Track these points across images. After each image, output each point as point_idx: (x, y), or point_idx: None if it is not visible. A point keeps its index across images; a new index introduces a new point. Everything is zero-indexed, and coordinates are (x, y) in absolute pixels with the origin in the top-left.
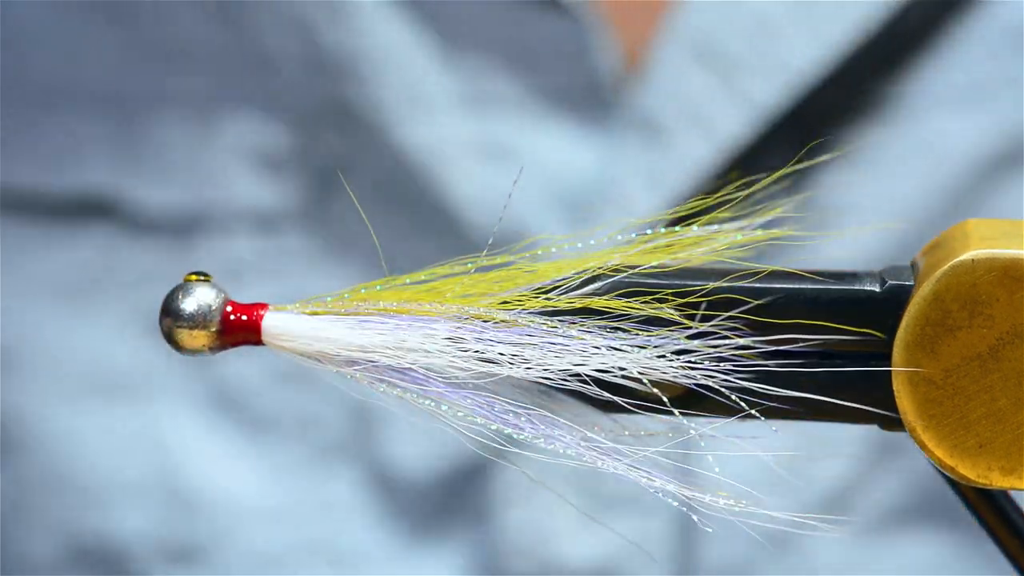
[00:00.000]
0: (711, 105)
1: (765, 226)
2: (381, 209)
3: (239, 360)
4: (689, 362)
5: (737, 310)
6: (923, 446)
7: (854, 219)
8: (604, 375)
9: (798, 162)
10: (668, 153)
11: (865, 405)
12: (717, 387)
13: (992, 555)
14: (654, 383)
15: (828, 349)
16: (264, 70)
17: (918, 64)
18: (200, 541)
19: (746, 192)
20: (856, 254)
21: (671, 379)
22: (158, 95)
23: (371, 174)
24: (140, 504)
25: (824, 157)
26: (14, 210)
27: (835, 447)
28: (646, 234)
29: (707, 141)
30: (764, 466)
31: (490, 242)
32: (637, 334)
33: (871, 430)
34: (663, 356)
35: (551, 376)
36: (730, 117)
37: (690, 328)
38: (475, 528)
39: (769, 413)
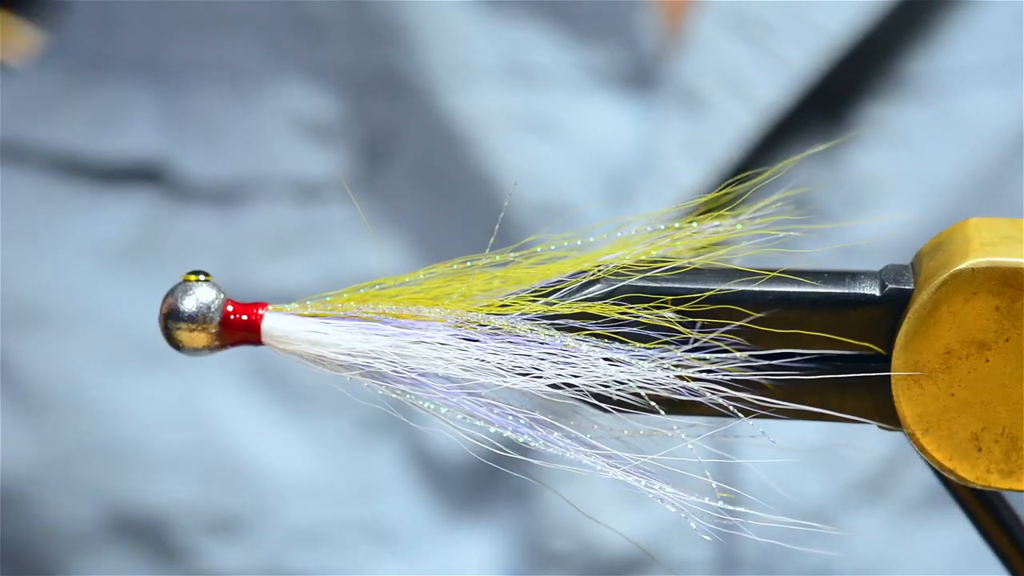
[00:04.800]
0: (749, 72)
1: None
2: (426, 180)
3: None
4: (688, 376)
5: (736, 324)
6: (922, 450)
7: (885, 195)
8: (604, 389)
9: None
10: (708, 122)
11: (864, 407)
12: (717, 400)
13: None
14: (652, 396)
15: (828, 351)
16: (311, 38)
17: (949, 38)
18: (241, 513)
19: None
20: (887, 233)
21: (670, 394)
22: (205, 62)
23: (417, 144)
24: (180, 474)
25: (855, 132)
26: (62, 172)
27: (869, 431)
28: (657, 230)
29: (746, 109)
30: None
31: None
32: (636, 347)
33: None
34: (663, 369)
35: (550, 388)
36: (767, 84)
37: (689, 338)
38: (516, 507)
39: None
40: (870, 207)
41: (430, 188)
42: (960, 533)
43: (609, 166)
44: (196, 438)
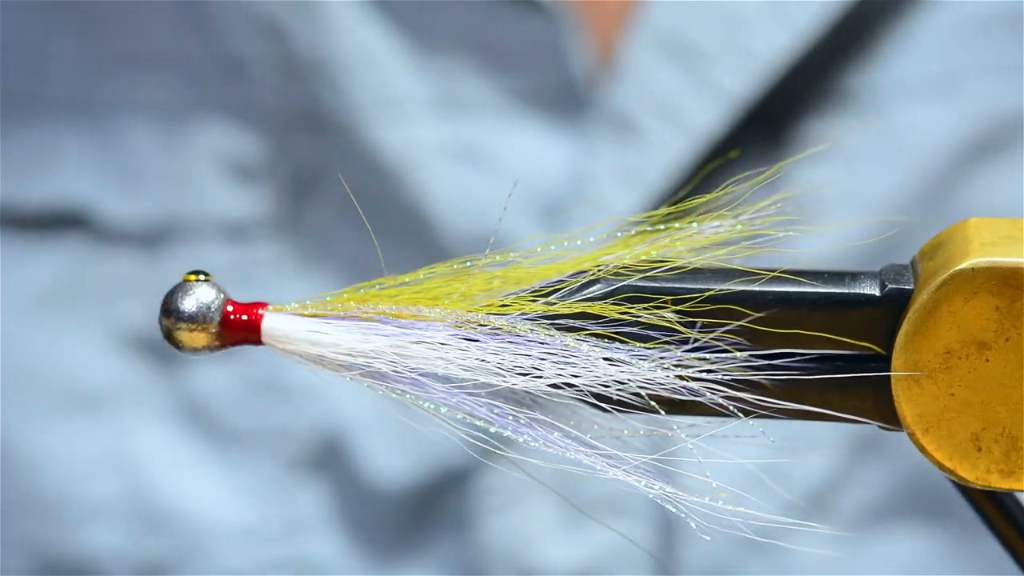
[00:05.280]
0: (682, 99)
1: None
2: (355, 215)
3: (210, 373)
4: (689, 376)
5: (736, 324)
6: (922, 449)
7: (828, 213)
8: (604, 389)
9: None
10: (642, 150)
11: (864, 407)
12: (716, 400)
13: (976, 553)
14: (651, 395)
15: (828, 351)
16: (235, 76)
17: (886, 52)
18: (171, 558)
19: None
20: (833, 251)
21: (670, 394)
22: (128, 103)
23: (345, 180)
24: (110, 521)
25: (798, 153)
26: None
27: (817, 445)
28: (641, 232)
29: (681, 136)
30: (745, 467)
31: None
32: (636, 346)
33: (848, 430)
34: (663, 369)
35: (549, 388)
36: (702, 110)
37: (689, 338)
38: (454, 539)
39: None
40: (808, 223)
41: (360, 224)
42: (907, 547)
43: (542, 194)
44: (124, 484)
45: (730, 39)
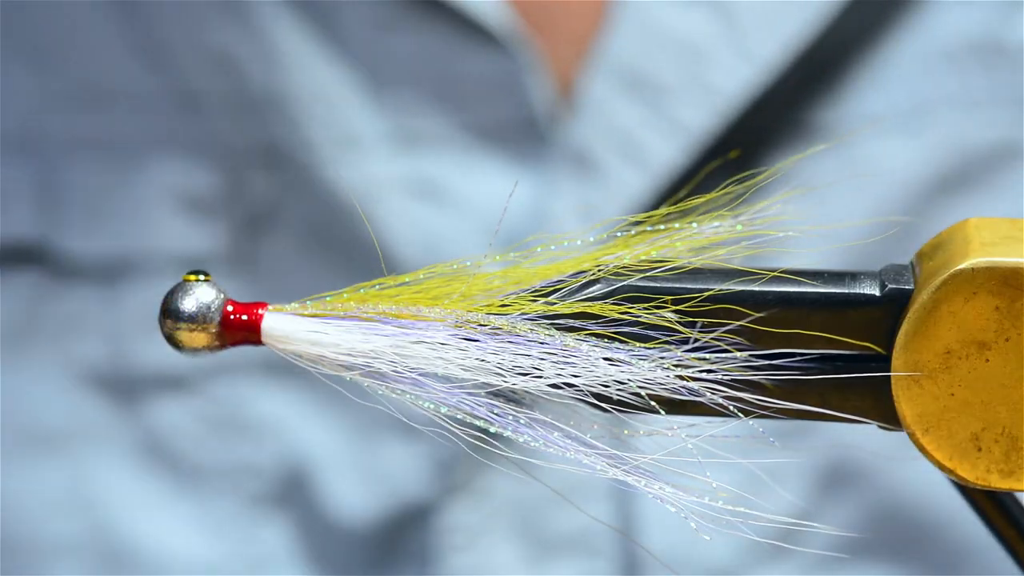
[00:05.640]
0: (642, 134)
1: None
2: (312, 251)
3: (170, 409)
4: (689, 376)
5: (737, 323)
6: (922, 449)
7: (791, 243)
8: (605, 389)
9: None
10: (602, 186)
11: (864, 407)
12: (717, 400)
13: None
14: (651, 396)
15: (828, 351)
16: (189, 111)
17: (852, 85)
18: None
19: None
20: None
21: (671, 394)
22: (80, 139)
23: (301, 216)
24: (73, 561)
25: (762, 186)
26: None
27: (782, 481)
28: (641, 232)
29: (641, 172)
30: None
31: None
32: (637, 346)
33: (815, 465)
34: (663, 368)
35: (550, 388)
36: (662, 146)
37: (689, 338)
38: (417, 572)
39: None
40: (774, 255)
41: (316, 259)
42: None
43: (502, 231)
44: (86, 523)
45: (690, 73)
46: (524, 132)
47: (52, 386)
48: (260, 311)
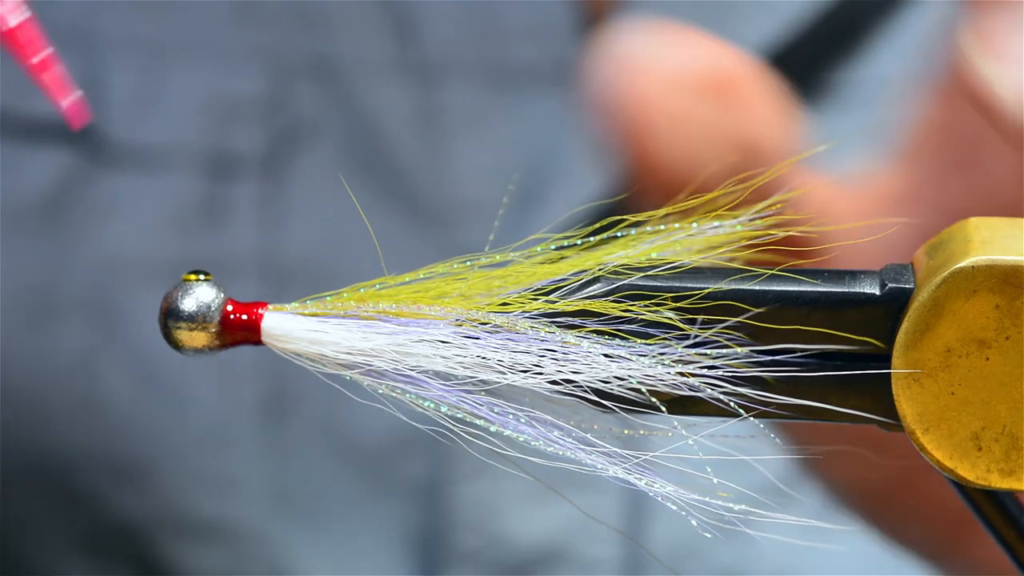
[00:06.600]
0: None
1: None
2: (345, 170)
3: None
4: (689, 372)
5: (736, 319)
6: (922, 449)
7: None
8: (604, 385)
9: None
10: None
11: (864, 406)
12: (717, 397)
13: None
14: (652, 392)
15: (828, 350)
16: (244, 20)
17: (872, 46)
18: None
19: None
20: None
21: (671, 390)
22: (130, 37)
23: (340, 134)
24: None
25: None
26: None
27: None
28: (642, 232)
29: None
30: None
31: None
32: (636, 342)
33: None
34: (663, 365)
35: (550, 385)
36: None
37: (689, 334)
38: (422, 502)
39: (765, 414)
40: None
41: (349, 179)
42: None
43: (520, 167)
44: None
45: (716, 24)
46: (555, 73)
47: (80, 262)
48: (260, 311)
